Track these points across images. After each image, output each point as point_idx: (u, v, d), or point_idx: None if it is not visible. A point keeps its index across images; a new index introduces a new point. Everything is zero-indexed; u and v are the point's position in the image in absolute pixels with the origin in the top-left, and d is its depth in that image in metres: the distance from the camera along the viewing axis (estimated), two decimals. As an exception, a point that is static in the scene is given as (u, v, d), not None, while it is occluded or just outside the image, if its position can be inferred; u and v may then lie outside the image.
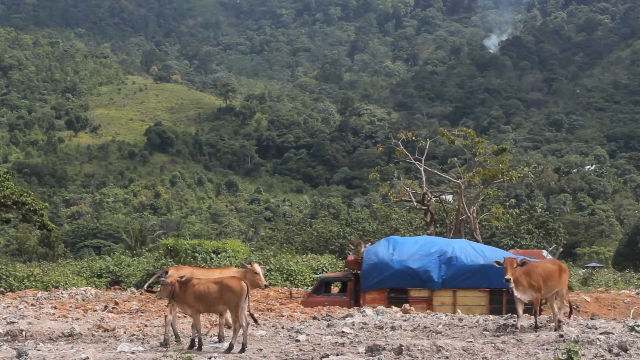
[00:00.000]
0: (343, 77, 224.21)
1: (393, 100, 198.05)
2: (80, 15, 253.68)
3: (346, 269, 24.51)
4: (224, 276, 13.99)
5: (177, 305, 13.88)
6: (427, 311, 20.23)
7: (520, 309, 15.61)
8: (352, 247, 24.59)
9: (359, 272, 22.53)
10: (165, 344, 13.90)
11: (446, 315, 18.93)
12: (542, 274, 15.55)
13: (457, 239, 25.66)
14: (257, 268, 14.70)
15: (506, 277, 15.06)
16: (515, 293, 15.36)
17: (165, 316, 14.15)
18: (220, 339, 14.03)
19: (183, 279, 13.63)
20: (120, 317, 19.55)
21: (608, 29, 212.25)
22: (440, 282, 21.66)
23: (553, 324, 15.84)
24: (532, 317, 16.44)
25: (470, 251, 22.09)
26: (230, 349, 12.85)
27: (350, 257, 23.79)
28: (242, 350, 13.01)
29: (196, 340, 13.48)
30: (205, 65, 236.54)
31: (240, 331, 13.16)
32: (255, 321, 14.87)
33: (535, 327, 15.40)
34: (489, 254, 21.71)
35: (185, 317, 16.26)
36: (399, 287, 21.74)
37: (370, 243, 24.81)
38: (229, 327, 16.29)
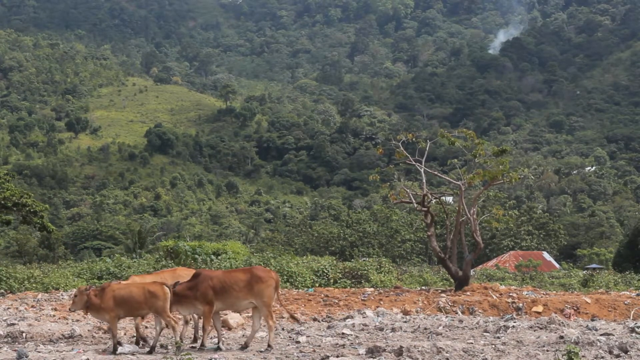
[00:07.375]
0: (343, 78, 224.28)
1: (393, 102, 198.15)
2: (81, 17, 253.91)
3: None
4: (145, 282, 13.85)
5: (92, 315, 13.73)
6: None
7: (204, 324, 13.56)
8: None
9: None
10: (165, 345, 13.91)
11: (446, 316, 18.93)
12: (217, 285, 13.54)
13: None
14: None
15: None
16: (182, 312, 13.87)
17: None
18: (219, 341, 14.04)
19: (99, 287, 13.59)
20: (121, 318, 19.54)
21: (608, 30, 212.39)
22: None
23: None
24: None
25: None
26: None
27: None
28: (151, 352, 13.21)
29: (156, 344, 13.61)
30: (206, 66, 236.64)
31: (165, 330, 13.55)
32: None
33: (197, 342, 13.76)
34: None
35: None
36: None
37: None
38: (229, 329, 16.32)
